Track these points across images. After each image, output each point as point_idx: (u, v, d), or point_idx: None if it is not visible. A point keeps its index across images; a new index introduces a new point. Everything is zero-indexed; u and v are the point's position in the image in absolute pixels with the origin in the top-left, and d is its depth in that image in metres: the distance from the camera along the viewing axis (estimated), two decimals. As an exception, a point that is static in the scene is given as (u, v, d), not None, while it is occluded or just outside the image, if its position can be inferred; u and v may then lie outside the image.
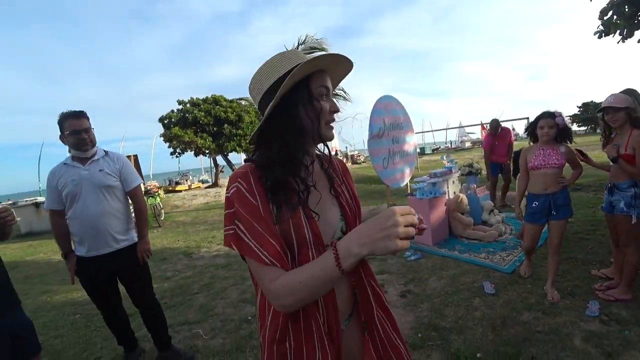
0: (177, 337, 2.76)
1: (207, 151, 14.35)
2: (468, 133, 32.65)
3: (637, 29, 5.29)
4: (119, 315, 2.42)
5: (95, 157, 2.21)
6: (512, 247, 3.92)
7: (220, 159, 16.54)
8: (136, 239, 2.33)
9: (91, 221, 2.13)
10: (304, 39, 8.45)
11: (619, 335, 2.15)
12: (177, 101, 14.38)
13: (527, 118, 9.39)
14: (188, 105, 14.25)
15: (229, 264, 4.57)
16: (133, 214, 2.40)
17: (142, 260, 2.31)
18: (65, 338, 3.06)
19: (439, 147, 35.55)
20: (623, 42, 5.51)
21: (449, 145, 37.26)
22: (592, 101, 33.72)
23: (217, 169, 16.81)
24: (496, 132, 5.95)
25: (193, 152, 14.50)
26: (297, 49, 8.45)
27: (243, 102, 14.04)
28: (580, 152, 2.77)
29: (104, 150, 2.31)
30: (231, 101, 14.55)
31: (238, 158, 17.94)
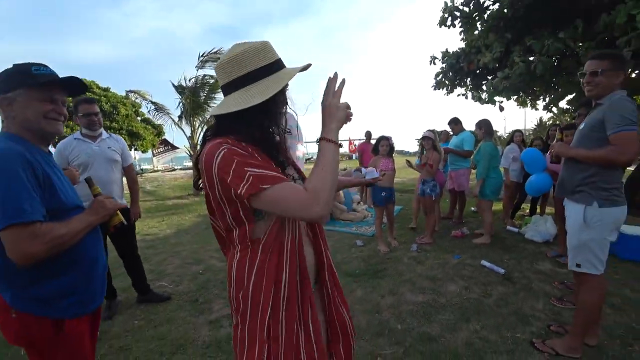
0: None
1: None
2: (336, 146, 37.08)
3: (456, 88, 8.29)
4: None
5: (103, 137, 2.94)
6: (371, 223, 5.88)
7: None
8: (125, 204, 3.10)
9: (100, 186, 2.86)
10: (207, 51, 9.24)
11: (425, 255, 4.11)
12: (35, 83, 12.68)
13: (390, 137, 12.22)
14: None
15: (153, 245, 5.20)
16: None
17: (133, 221, 3.11)
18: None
19: (311, 157, 39.19)
20: (448, 95, 8.49)
21: (320, 156, 41.16)
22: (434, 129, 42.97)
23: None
24: (369, 139, 8.08)
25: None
26: (200, 59, 9.18)
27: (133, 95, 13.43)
28: (408, 162, 4.80)
29: (108, 132, 3.03)
30: (105, 89, 13.67)
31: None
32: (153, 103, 10.04)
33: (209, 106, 9.97)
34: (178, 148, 22.98)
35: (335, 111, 0.97)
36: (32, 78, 1.18)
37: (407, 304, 2.89)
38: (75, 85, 1.31)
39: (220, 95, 9.96)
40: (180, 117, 9.84)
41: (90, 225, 1.29)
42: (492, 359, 2.12)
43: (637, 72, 6.56)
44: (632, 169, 6.83)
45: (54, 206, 1.19)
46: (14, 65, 1.22)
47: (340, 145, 1.02)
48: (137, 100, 13.18)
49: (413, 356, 2.17)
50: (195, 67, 9.33)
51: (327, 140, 0.96)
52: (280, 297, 0.98)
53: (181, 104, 9.74)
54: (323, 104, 1.00)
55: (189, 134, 10.11)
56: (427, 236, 4.66)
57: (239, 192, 0.87)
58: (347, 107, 1.00)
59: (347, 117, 1.00)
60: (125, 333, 2.68)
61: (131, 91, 10.25)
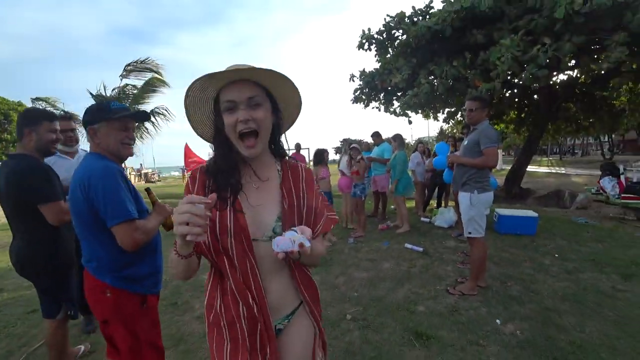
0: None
1: (-50, 160, 11.30)
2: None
3: (371, 102, 9.61)
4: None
5: (80, 153, 3.05)
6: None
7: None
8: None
9: None
10: (133, 61, 9.07)
11: (361, 245, 5.02)
12: None
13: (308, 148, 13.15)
14: None
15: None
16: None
17: None
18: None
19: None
20: (365, 108, 9.79)
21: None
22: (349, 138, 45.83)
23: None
24: (299, 150, 8.89)
25: None
26: (126, 68, 8.99)
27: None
28: (342, 172, 5.74)
29: (83, 150, 3.22)
30: (-7, 98, 12.07)
31: None
32: (66, 113, 9.35)
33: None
34: (80, 162, 20.68)
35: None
36: (110, 113, 1.62)
37: (356, 279, 3.72)
38: (142, 115, 1.80)
39: (146, 106, 9.86)
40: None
41: (159, 223, 1.79)
42: (423, 303, 3.04)
43: (508, 92, 8.63)
44: (508, 170, 8.82)
45: (138, 208, 1.66)
46: (96, 103, 1.68)
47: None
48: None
49: (371, 310, 2.99)
50: (120, 76, 9.11)
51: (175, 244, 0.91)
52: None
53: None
54: None
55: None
56: (360, 230, 5.61)
57: None
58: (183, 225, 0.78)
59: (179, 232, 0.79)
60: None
61: (38, 99, 9.31)
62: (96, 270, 1.61)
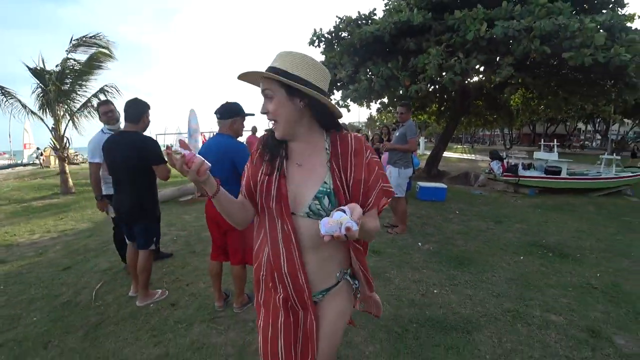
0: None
1: None
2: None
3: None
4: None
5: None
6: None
7: None
8: None
9: None
10: (83, 35, 9.05)
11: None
12: None
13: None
14: None
15: (93, 232, 5.86)
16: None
17: None
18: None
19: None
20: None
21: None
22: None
23: None
24: (254, 133, 9.94)
25: None
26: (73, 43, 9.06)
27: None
28: None
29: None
30: None
31: None
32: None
33: (76, 94, 9.74)
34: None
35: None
36: (242, 112, 2.75)
37: (323, 229, 5.18)
38: (249, 113, 2.87)
39: (94, 84, 9.74)
40: (42, 106, 9.26)
41: None
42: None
43: (431, 88, 10.62)
44: (429, 154, 10.88)
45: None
46: (234, 105, 2.69)
47: (215, 194, 1.05)
48: None
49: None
50: (66, 50, 9.09)
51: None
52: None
53: (39, 90, 9.19)
54: None
55: (51, 125, 9.53)
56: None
57: None
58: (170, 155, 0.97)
59: (183, 166, 0.94)
60: (165, 277, 3.42)
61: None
62: None
